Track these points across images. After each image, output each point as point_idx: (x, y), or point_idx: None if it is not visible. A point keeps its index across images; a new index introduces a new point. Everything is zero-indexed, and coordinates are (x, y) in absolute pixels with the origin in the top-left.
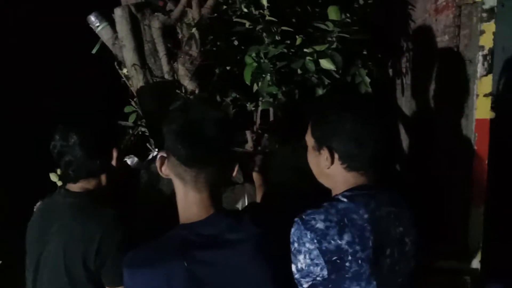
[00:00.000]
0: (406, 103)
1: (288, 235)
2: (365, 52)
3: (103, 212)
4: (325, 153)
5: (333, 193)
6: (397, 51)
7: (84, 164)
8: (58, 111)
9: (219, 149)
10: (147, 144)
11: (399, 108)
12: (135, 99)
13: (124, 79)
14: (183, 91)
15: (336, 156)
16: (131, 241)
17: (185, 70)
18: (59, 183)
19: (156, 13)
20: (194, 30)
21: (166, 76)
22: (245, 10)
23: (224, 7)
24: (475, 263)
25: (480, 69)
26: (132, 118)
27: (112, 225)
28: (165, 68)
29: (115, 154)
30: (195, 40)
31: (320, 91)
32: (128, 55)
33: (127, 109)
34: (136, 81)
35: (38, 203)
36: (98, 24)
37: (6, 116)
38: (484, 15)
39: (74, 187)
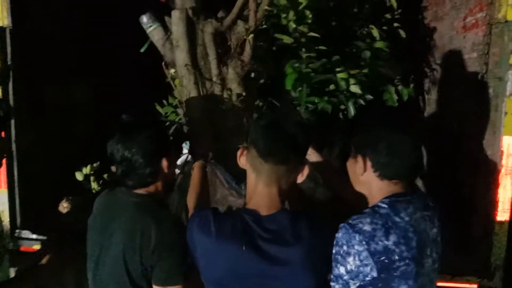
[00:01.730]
0: (431, 118)
1: (331, 241)
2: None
3: (162, 213)
4: (359, 160)
5: (370, 202)
6: (423, 66)
7: (141, 176)
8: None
9: (295, 150)
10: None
11: (423, 122)
12: (177, 99)
13: (169, 79)
14: (230, 93)
15: (369, 164)
16: (183, 248)
17: (235, 74)
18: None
19: (209, 19)
20: (250, 37)
21: (214, 79)
22: (293, 26)
23: (275, 20)
24: (496, 281)
25: (509, 87)
26: (170, 116)
27: (169, 227)
28: (214, 71)
29: (165, 163)
30: (250, 46)
31: (350, 105)
32: (181, 55)
33: (165, 110)
34: (187, 81)
35: (98, 198)
36: (150, 24)
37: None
38: None
39: (135, 189)
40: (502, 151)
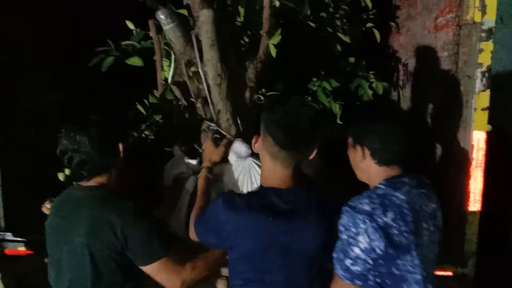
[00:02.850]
0: (406, 113)
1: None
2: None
3: (121, 203)
4: (358, 149)
5: (370, 186)
6: (397, 64)
7: (96, 162)
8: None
9: (309, 138)
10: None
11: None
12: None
13: (186, 78)
14: (250, 92)
15: (367, 152)
16: (153, 226)
17: (255, 73)
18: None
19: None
20: (271, 41)
21: (239, 79)
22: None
23: None
24: (470, 269)
25: (478, 84)
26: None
27: (132, 215)
28: (234, 68)
29: (121, 147)
30: (268, 48)
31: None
32: (216, 55)
33: (151, 99)
34: (221, 80)
35: (53, 201)
36: (169, 21)
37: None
38: (483, 34)
39: (88, 182)
40: (472, 145)
